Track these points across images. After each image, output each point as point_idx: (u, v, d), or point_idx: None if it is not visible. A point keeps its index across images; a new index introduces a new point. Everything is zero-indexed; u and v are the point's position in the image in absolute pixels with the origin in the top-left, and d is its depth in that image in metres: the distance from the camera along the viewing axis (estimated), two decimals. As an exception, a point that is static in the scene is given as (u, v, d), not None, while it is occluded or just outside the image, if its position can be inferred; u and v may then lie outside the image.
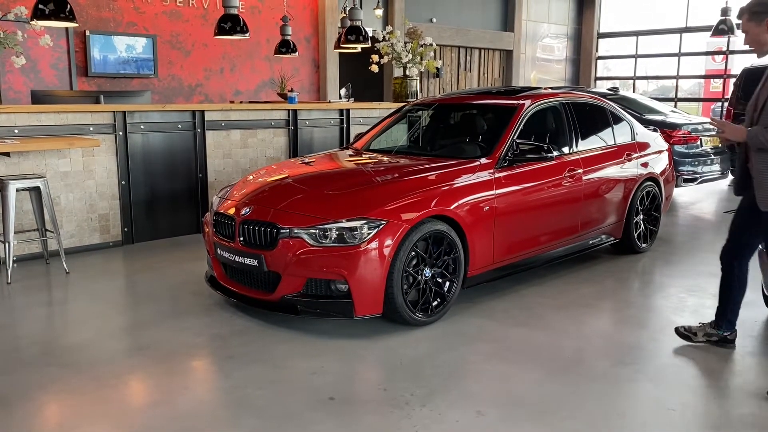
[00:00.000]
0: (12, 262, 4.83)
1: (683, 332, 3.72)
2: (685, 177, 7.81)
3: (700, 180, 8.03)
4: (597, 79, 16.98)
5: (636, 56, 16.41)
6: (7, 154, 5.08)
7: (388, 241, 3.72)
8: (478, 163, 4.42)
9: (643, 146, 5.79)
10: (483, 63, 14.66)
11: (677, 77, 15.76)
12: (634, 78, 16.57)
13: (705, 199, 8.87)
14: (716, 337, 3.63)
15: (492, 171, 4.40)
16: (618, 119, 5.72)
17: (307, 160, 5.00)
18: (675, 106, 11.86)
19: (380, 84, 12.28)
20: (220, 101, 9.96)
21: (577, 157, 5.06)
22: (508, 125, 4.68)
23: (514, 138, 4.62)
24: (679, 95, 15.87)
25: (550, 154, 4.65)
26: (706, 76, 16.47)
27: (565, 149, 5.04)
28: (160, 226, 6.24)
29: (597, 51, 16.91)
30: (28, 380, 3.26)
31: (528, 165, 4.62)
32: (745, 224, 3.44)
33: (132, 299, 4.71)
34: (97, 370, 3.37)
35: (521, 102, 4.90)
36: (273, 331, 3.89)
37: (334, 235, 3.71)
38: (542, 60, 16.09)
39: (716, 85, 16.16)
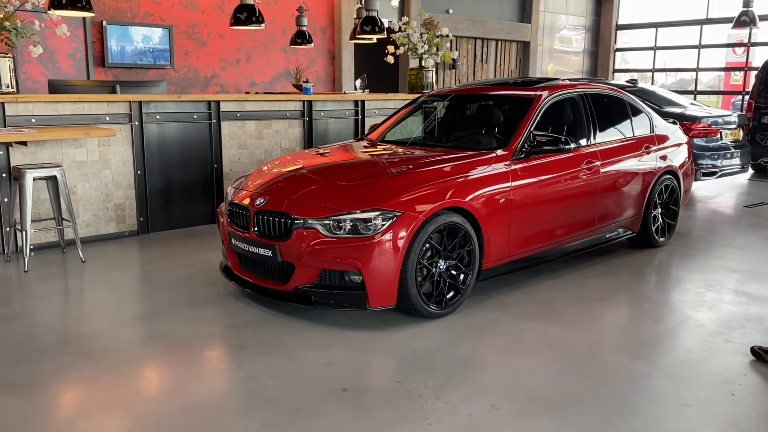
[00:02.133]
0: (29, 250, 4.87)
1: (757, 351, 3.40)
2: (704, 170, 7.71)
3: (719, 174, 7.93)
4: (615, 71, 16.79)
5: (655, 48, 16.19)
6: (25, 143, 5.12)
7: (403, 233, 3.69)
8: (494, 154, 4.38)
9: (662, 139, 5.71)
10: (500, 54, 14.54)
11: (697, 70, 15.54)
12: (653, 70, 16.36)
13: (724, 193, 8.74)
14: None
15: (508, 163, 4.36)
16: (637, 111, 5.64)
17: (321, 151, 4.99)
18: (694, 99, 11.71)
19: (395, 75, 12.22)
20: (236, 92, 9.97)
21: (595, 149, 4.99)
22: (525, 116, 4.62)
23: (531, 129, 4.57)
24: (699, 88, 15.65)
25: (567, 146, 4.59)
26: (727, 69, 16.21)
27: (583, 141, 4.98)
28: (175, 216, 6.26)
29: (615, 43, 16.71)
30: (44, 368, 3.28)
31: (545, 157, 4.56)
32: None
33: (147, 288, 4.73)
34: (112, 359, 3.39)
35: (538, 93, 4.85)
36: (286, 322, 3.89)
37: (348, 226, 3.69)
38: (560, 52, 15.93)
39: (737, 77, 15.91)
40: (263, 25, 7.46)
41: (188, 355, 3.47)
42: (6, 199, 5.21)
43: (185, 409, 2.88)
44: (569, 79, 5.80)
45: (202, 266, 5.01)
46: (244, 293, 4.33)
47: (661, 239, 5.69)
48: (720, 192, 8.75)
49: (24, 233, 4.82)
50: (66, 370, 3.26)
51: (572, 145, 4.67)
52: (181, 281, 4.69)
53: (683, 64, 16.04)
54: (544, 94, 4.84)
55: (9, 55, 5.32)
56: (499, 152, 4.40)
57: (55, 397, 3.03)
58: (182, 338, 3.67)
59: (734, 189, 9.06)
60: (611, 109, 5.45)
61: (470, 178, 4.14)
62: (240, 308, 4.13)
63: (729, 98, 16.38)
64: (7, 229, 5.21)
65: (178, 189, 6.26)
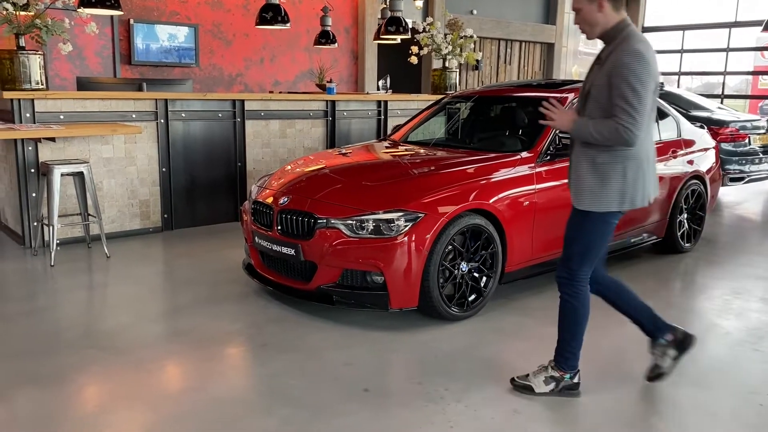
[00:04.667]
0: (55, 245, 4.94)
1: (519, 382, 3.08)
2: (731, 176, 7.59)
3: (747, 179, 7.80)
4: (641, 74, 16.57)
5: (682, 51, 15.97)
6: (53, 139, 5.19)
7: (425, 234, 3.68)
8: (518, 156, 4.35)
9: (689, 143, 5.63)
10: (523, 56, 14.45)
11: (724, 73, 15.30)
12: (679, 73, 16.13)
13: (752, 199, 8.60)
14: (561, 382, 3.01)
15: (533, 165, 4.32)
16: (663, 115, 5.57)
17: (344, 151, 4.99)
18: (721, 103, 11.53)
19: (419, 76, 12.19)
20: (260, 91, 10.02)
21: (621, 152, 4.93)
22: (551, 119, 4.57)
23: (557, 132, 4.53)
24: (726, 92, 15.41)
25: (592, 150, 4.53)
26: (755, 73, 15.96)
27: (608, 145, 4.92)
28: (199, 214, 6.31)
29: (641, 45, 16.50)
30: (68, 362, 3.32)
31: (570, 160, 4.51)
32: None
33: (170, 285, 4.77)
34: (135, 354, 3.42)
35: (565, 95, 4.80)
36: (308, 321, 3.90)
37: (371, 227, 3.69)
38: (584, 54, 15.78)
39: (765, 82, 15.66)
40: (288, 24, 7.51)
41: (211, 352, 3.49)
42: (34, 194, 5.29)
43: (207, 405, 2.90)
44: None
45: (225, 263, 5.04)
46: (267, 291, 4.35)
47: (687, 245, 5.61)
48: (747, 198, 8.61)
49: (51, 228, 4.89)
50: (90, 364, 3.30)
51: (598, 149, 4.61)
52: (204, 278, 4.72)
53: (710, 68, 15.80)
54: (570, 96, 4.79)
55: (39, 52, 5.40)
56: (524, 154, 4.37)
57: (80, 391, 3.07)
58: (205, 334, 3.70)
59: (762, 195, 8.91)
60: (638, 112, 5.37)
61: (494, 180, 4.12)
62: (262, 306, 4.15)
63: (757, 102, 16.12)
64: (35, 223, 5.29)
65: (202, 186, 6.30)
